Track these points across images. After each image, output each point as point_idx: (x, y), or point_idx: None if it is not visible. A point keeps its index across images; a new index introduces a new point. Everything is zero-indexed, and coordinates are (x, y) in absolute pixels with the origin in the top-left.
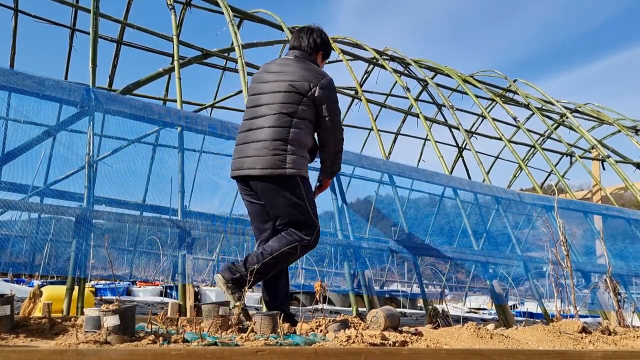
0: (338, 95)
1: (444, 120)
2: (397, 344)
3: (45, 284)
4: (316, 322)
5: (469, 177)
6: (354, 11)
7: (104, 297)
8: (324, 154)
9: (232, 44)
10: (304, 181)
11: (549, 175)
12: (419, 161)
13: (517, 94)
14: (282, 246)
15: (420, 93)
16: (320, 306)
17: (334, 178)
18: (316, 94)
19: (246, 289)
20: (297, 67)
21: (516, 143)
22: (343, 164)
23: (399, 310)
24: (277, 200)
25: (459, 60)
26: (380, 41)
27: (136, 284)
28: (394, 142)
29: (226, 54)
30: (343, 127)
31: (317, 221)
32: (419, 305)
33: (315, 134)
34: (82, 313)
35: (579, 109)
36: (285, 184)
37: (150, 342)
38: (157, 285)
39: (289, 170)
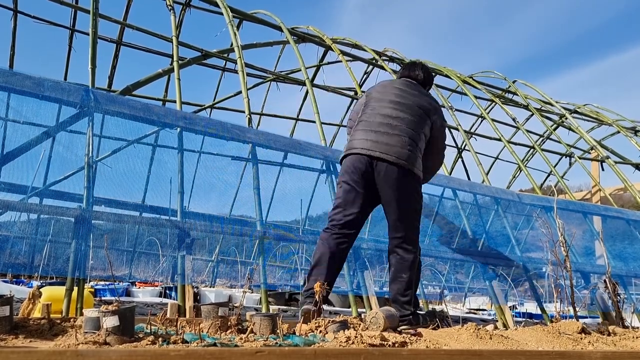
0: (338, 96)
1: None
2: (396, 345)
3: (44, 284)
4: (315, 322)
5: (469, 178)
6: (357, 11)
7: (103, 298)
8: (425, 170)
9: (232, 44)
10: (420, 181)
11: (548, 176)
12: None
13: (517, 94)
14: (413, 270)
15: None
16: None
17: (333, 177)
18: (436, 120)
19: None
20: (421, 93)
21: (515, 144)
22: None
23: None
24: (399, 188)
25: (459, 60)
26: (383, 41)
27: (135, 285)
28: None
29: (225, 55)
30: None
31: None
32: None
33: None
34: (82, 314)
35: (578, 109)
36: (411, 178)
37: (149, 342)
38: (157, 286)
39: (416, 170)
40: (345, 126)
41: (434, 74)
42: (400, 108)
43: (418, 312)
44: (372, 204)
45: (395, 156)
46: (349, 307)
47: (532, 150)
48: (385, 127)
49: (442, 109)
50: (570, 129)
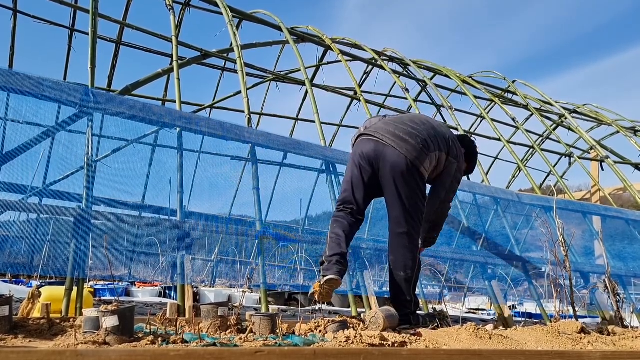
0: (337, 96)
1: (443, 121)
2: (396, 345)
3: (44, 284)
4: (315, 322)
5: (468, 178)
6: (357, 11)
7: (102, 298)
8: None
9: (231, 44)
10: (424, 180)
11: (547, 175)
12: None
13: (516, 94)
14: (414, 269)
15: (419, 94)
16: (319, 307)
17: (333, 177)
18: (452, 161)
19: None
20: (446, 129)
21: (515, 144)
22: (341, 164)
23: None
24: (405, 182)
25: (459, 60)
26: (383, 41)
27: (135, 285)
28: None
29: (225, 55)
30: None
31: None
32: None
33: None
34: (81, 314)
35: (577, 109)
36: (417, 174)
37: (149, 342)
38: (156, 286)
39: (422, 170)
40: (344, 126)
41: (433, 74)
42: (423, 125)
43: (418, 312)
44: (375, 194)
45: (405, 149)
46: (349, 307)
47: (531, 150)
48: (406, 129)
49: (442, 108)
50: (569, 129)
